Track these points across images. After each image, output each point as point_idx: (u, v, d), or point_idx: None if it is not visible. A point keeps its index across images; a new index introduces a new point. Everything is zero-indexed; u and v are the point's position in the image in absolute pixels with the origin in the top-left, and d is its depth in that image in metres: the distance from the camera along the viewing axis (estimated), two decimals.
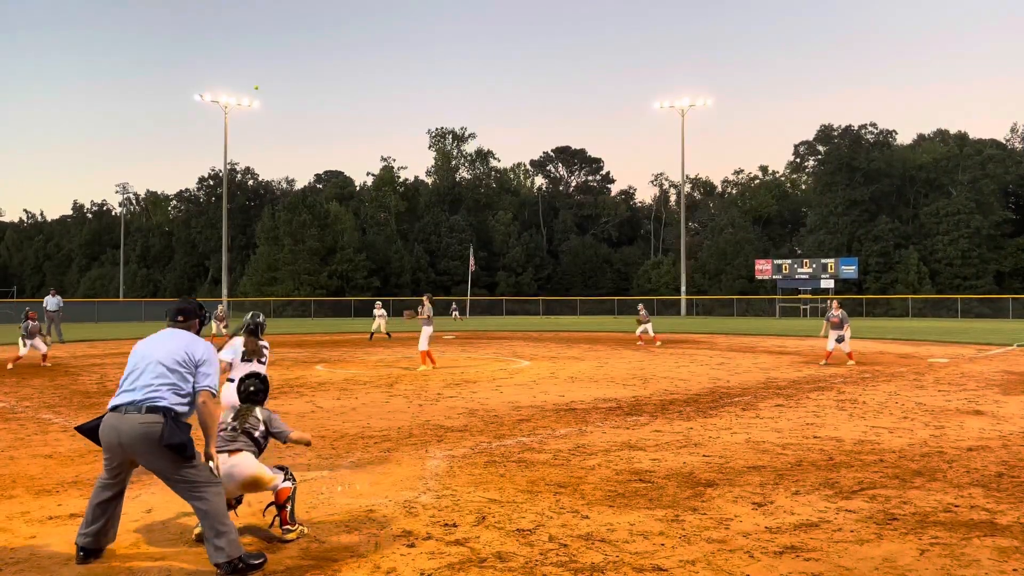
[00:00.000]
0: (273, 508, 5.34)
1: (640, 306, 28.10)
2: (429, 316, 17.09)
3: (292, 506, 5.33)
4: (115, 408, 4.62)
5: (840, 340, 18.30)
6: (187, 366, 4.70)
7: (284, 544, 5.07)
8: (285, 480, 5.38)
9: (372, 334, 29.72)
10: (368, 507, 5.93)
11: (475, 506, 5.96)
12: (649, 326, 26.50)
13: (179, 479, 4.59)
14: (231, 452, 5.25)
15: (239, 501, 5.56)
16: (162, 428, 4.49)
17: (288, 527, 5.28)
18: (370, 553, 4.87)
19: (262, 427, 5.45)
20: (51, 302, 25.79)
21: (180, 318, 4.98)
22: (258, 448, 5.41)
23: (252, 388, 5.64)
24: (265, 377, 5.85)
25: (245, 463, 5.25)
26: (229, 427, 5.37)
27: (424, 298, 17.67)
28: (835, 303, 18.75)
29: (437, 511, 5.82)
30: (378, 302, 32.87)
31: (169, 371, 4.66)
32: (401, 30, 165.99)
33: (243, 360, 7.53)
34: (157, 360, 4.68)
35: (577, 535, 5.22)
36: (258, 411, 5.54)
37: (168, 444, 4.45)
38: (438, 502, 6.08)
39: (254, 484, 5.33)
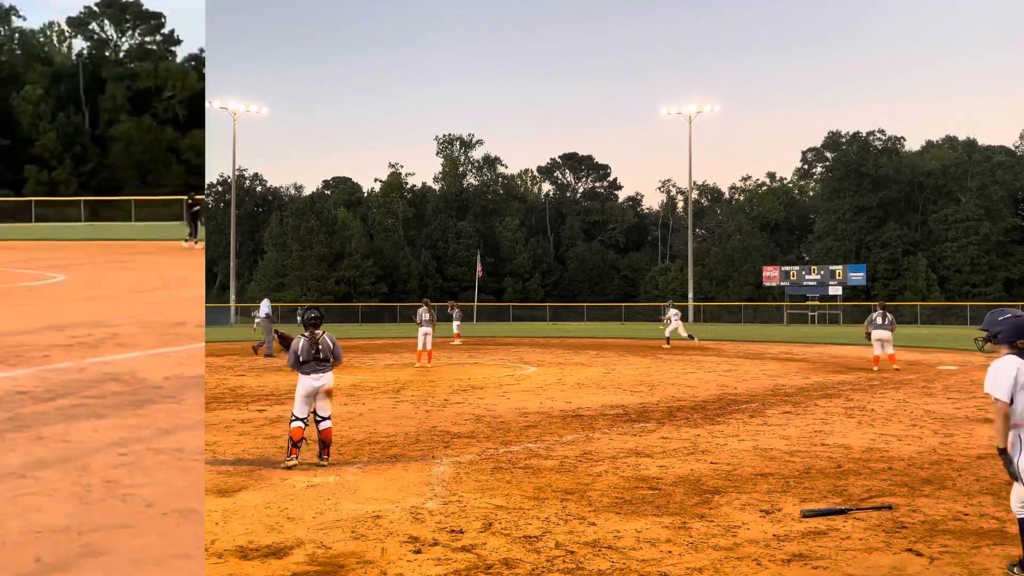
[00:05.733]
0: (315, 445, 7.87)
1: (453, 308, 31.88)
2: (431, 319, 19.81)
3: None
4: None
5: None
6: None
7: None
8: (329, 420, 7.91)
9: None
10: (375, 513, 5.93)
11: (482, 512, 5.95)
12: (456, 324, 31.03)
13: None
14: (323, 372, 7.87)
15: (306, 422, 7.74)
16: None
17: (326, 457, 7.81)
18: (377, 559, 4.87)
19: (330, 345, 7.90)
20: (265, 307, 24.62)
21: None
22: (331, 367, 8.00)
23: (312, 315, 8.05)
24: (320, 308, 8.52)
25: (331, 379, 7.96)
26: (314, 356, 7.83)
27: (424, 302, 20.60)
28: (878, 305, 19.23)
29: (444, 517, 5.82)
30: None
31: None
32: (409, 37, 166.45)
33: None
34: None
35: (584, 542, 5.21)
36: (326, 337, 7.91)
37: None
38: (445, 508, 6.08)
39: (329, 395, 7.94)
